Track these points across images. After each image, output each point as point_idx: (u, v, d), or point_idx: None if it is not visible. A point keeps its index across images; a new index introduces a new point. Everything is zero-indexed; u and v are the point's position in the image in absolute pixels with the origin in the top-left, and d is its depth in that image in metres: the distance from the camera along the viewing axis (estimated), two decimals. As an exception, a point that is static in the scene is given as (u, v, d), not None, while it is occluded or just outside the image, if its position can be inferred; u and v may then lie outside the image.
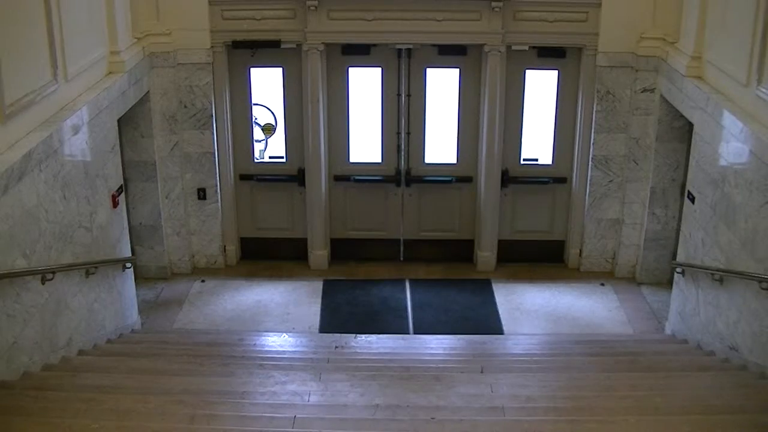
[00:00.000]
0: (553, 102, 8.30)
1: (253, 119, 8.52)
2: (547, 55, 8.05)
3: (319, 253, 8.68)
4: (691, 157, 6.83)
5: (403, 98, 8.31)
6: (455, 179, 8.56)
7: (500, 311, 7.84)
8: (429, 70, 8.28)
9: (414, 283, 8.42)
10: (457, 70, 8.25)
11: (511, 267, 8.69)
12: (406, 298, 8.14)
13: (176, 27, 7.72)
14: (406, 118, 8.38)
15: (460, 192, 8.65)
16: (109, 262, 6.50)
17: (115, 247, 6.70)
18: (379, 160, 8.59)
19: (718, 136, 6.10)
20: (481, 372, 5.36)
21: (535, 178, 8.54)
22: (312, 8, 7.69)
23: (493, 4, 7.62)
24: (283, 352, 6.74)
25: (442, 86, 8.33)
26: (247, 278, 8.49)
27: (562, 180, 8.53)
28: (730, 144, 5.86)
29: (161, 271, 8.39)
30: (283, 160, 8.59)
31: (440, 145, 8.54)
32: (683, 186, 7.42)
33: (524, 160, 8.53)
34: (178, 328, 7.54)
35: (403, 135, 8.42)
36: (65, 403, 4.40)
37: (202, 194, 8.35)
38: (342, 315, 7.83)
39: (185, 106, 7.99)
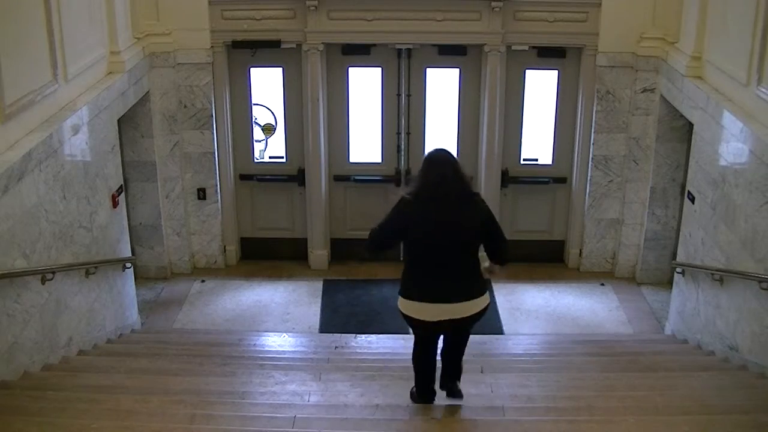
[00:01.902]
0: (553, 102, 8.29)
1: (253, 119, 8.52)
2: (547, 55, 8.04)
3: (319, 253, 8.67)
4: (691, 157, 6.83)
5: (403, 98, 8.31)
6: (455, 179, 8.54)
7: (500, 311, 7.83)
8: (429, 70, 8.27)
9: (414, 283, 8.41)
10: (457, 70, 8.24)
11: (511, 267, 8.52)
12: (406, 298, 8.13)
13: (176, 27, 7.72)
14: (406, 118, 8.37)
15: (459, 192, 8.63)
16: (109, 262, 6.50)
17: (115, 247, 6.69)
18: (379, 160, 8.59)
19: (718, 136, 6.10)
20: (481, 372, 5.36)
21: (535, 178, 8.53)
22: (312, 8, 7.68)
23: (493, 4, 7.62)
24: (283, 352, 6.74)
25: (442, 86, 8.32)
26: (247, 278, 8.48)
27: (562, 180, 8.52)
28: (730, 144, 5.86)
29: (161, 271, 8.38)
30: (283, 160, 8.59)
31: (440, 145, 8.51)
32: (683, 186, 7.42)
33: (524, 160, 8.53)
34: (178, 328, 7.54)
35: (403, 135, 8.41)
36: (65, 403, 4.40)
37: (202, 194, 8.34)
38: (342, 315, 7.82)
39: (185, 106, 7.99)
